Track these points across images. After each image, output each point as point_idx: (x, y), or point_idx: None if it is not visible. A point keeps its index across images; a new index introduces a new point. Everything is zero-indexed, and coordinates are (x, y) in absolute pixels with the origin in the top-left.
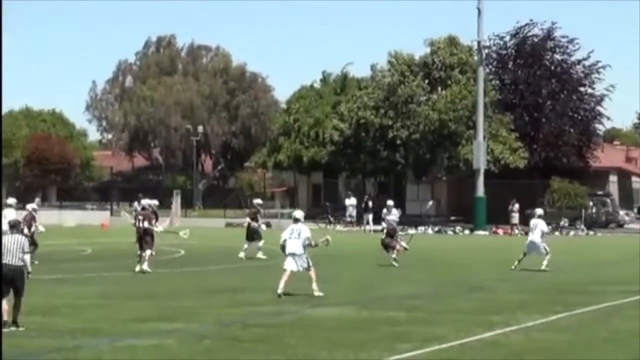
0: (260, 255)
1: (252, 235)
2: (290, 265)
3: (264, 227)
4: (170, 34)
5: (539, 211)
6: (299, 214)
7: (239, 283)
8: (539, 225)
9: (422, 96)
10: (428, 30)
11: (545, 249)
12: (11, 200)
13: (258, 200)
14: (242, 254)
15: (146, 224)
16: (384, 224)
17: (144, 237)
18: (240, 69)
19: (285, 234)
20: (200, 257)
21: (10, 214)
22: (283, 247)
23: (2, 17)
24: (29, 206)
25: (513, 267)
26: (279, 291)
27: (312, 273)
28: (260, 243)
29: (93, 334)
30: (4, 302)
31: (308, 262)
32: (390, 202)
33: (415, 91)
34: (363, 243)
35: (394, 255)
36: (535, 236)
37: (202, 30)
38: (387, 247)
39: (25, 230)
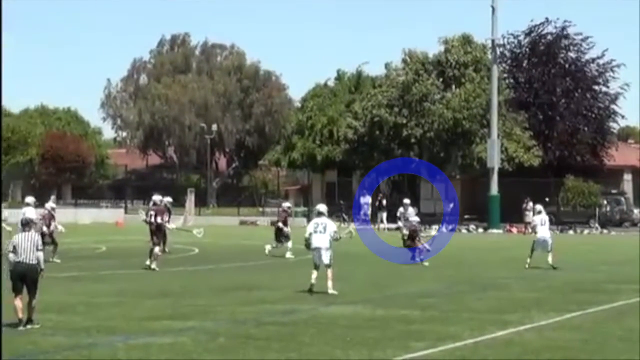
0: (289, 255)
1: (282, 238)
2: (319, 260)
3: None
4: (185, 32)
5: (541, 207)
6: (323, 207)
7: (254, 281)
8: (547, 221)
9: (436, 95)
10: (442, 28)
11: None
12: (30, 199)
13: (288, 204)
14: (268, 248)
15: (159, 220)
16: (400, 223)
17: (156, 233)
18: (255, 67)
19: (310, 227)
20: (214, 255)
21: (30, 213)
22: (308, 242)
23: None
24: (48, 205)
25: (527, 266)
26: (331, 291)
27: (330, 271)
28: (289, 244)
29: (108, 332)
30: (18, 300)
31: (331, 259)
32: (407, 201)
33: (430, 90)
34: (377, 241)
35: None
36: (546, 232)
37: (216, 28)
38: (409, 248)
39: (45, 229)
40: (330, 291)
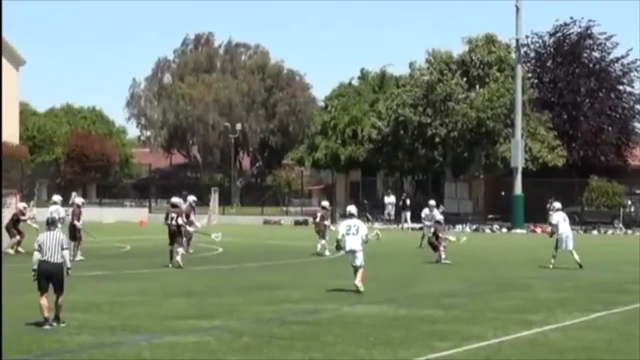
0: (326, 252)
1: (323, 234)
2: (354, 260)
3: (332, 227)
4: (209, 31)
5: (559, 204)
6: (353, 209)
7: (277, 280)
8: (567, 218)
9: (460, 94)
10: (466, 28)
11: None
12: (57, 197)
13: (326, 203)
14: (323, 247)
15: (180, 221)
16: (426, 222)
17: (177, 235)
18: (278, 66)
19: (342, 229)
20: (238, 254)
21: (57, 211)
22: (340, 243)
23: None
24: (77, 200)
25: (551, 265)
26: (360, 288)
27: (361, 271)
28: (324, 241)
29: (133, 331)
30: (44, 298)
31: (362, 260)
32: (432, 202)
33: (454, 89)
34: (401, 241)
35: (443, 255)
36: (567, 229)
37: (240, 28)
38: (434, 247)
39: (76, 222)
40: (361, 287)
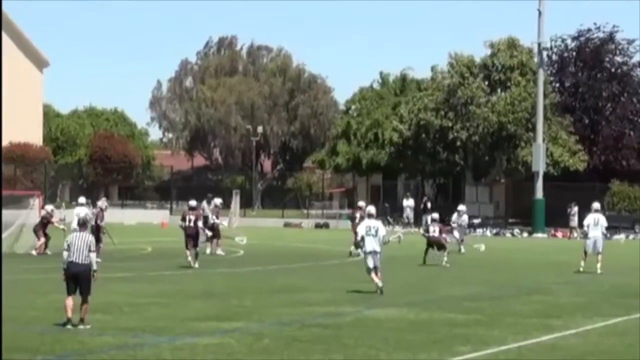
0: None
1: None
2: (371, 262)
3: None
4: (232, 34)
5: (597, 205)
6: (372, 209)
7: (298, 283)
8: (600, 220)
9: (481, 98)
10: (488, 32)
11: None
12: (82, 199)
13: (362, 203)
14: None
15: (200, 224)
16: (454, 226)
17: (194, 237)
18: (300, 69)
19: (361, 229)
20: (259, 256)
21: (84, 212)
22: (360, 243)
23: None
24: (99, 203)
25: (580, 269)
26: (375, 288)
27: (379, 273)
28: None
29: (154, 332)
30: (69, 299)
31: (379, 262)
32: (461, 207)
33: (475, 93)
34: (421, 244)
35: (445, 258)
36: (598, 232)
37: (263, 31)
38: (438, 246)
39: (101, 223)
40: (380, 284)
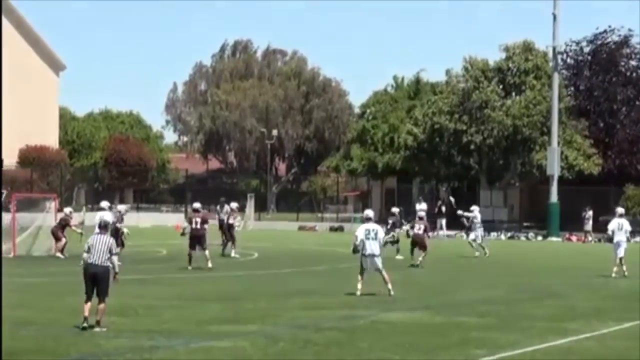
0: (398, 256)
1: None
2: (372, 266)
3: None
4: (247, 38)
5: (621, 210)
6: (371, 212)
7: (312, 286)
8: (624, 225)
9: (496, 101)
10: (503, 35)
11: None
12: (105, 203)
13: (395, 209)
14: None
15: (206, 226)
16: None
17: (200, 239)
18: (314, 72)
19: (360, 233)
20: (273, 260)
21: (107, 216)
22: (358, 247)
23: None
24: (120, 207)
25: (613, 274)
26: (359, 293)
27: (386, 274)
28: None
29: (169, 335)
30: (87, 299)
31: (382, 263)
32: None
33: (490, 96)
34: (436, 248)
35: (420, 258)
36: (622, 237)
37: (277, 34)
38: (420, 245)
39: (118, 224)
40: (392, 292)
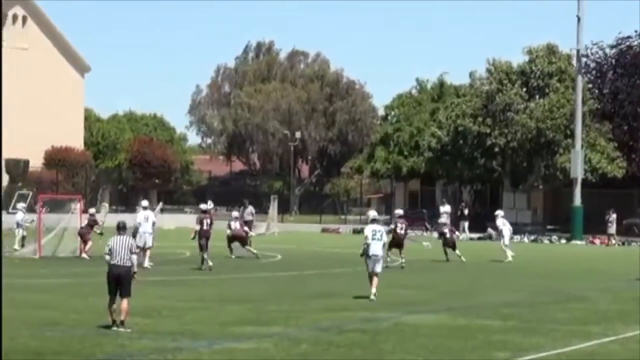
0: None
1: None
2: (373, 267)
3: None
4: (270, 40)
5: None
6: (376, 214)
7: (335, 288)
8: None
9: (519, 104)
10: (527, 38)
11: None
12: (145, 203)
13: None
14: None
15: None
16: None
17: (209, 240)
18: (338, 74)
19: (369, 234)
20: (296, 262)
21: (151, 216)
22: (367, 249)
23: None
24: (157, 208)
25: None
26: (372, 297)
27: (377, 279)
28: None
29: (192, 337)
30: (112, 301)
31: (381, 267)
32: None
33: (513, 99)
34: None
35: (402, 259)
36: None
37: (300, 36)
38: (397, 244)
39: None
40: (373, 297)
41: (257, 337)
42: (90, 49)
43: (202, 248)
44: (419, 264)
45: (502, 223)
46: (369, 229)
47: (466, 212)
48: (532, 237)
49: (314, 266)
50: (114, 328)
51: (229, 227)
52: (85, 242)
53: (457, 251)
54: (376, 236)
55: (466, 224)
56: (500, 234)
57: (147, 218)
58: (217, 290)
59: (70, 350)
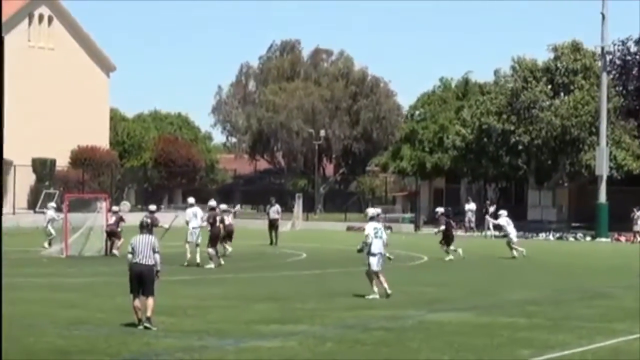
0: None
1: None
2: (376, 265)
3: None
4: (295, 38)
5: None
6: (375, 211)
7: (360, 286)
8: None
9: (544, 102)
10: (552, 35)
11: None
12: (192, 200)
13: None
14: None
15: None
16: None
17: (215, 239)
18: (362, 72)
19: (371, 231)
20: (321, 260)
21: (199, 212)
22: (369, 246)
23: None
24: (222, 206)
25: None
26: (388, 291)
27: (383, 276)
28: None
29: (218, 335)
30: (136, 300)
31: (382, 264)
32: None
33: (538, 96)
34: (484, 248)
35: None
36: None
37: (324, 34)
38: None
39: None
40: (372, 296)
41: (282, 335)
42: (116, 48)
43: (214, 244)
44: (440, 262)
45: (507, 222)
46: (370, 227)
47: (491, 209)
48: (557, 235)
49: (339, 264)
50: (140, 327)
51: (222, 221)
52: (117, 239)
53: (452, 246)
54: (378, 234)
55: (491, 222)
56: (505, 232)
57: (195, 214)
58: (241, 288)
59: (96, 349)
